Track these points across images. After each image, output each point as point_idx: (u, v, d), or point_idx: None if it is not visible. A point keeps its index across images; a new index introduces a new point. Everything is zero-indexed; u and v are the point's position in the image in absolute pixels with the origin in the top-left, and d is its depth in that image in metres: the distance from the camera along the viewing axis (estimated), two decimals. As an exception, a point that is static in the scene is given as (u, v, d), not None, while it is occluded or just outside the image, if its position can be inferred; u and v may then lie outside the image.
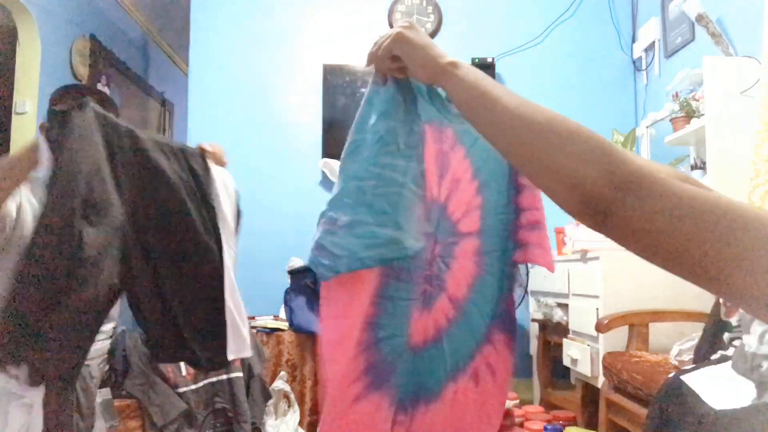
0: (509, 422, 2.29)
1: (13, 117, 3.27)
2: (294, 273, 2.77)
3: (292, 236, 3.21)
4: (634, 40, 3.49)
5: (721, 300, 1.58)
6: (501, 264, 0.95)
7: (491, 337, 0.95)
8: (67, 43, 3.64)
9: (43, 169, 1.12)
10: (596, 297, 2.25)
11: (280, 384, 2.47)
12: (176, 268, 1.32)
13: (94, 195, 1.13)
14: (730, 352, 1.40)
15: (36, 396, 1.20)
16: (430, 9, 3.50)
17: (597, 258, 2.26)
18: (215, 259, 1.38)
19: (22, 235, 1.36)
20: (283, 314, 2.79)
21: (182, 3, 3.80)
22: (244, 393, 2.12)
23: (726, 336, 1.52)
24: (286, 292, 2.75)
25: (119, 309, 1.94)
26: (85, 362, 1.70)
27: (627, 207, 0.46)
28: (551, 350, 2.87)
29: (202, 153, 1.46)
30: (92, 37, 3.87)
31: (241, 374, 2.14)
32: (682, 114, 2.45)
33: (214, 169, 1.45)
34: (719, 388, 1.14)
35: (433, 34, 3.45)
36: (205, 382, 2.08)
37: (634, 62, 3.51)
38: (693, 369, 1.35)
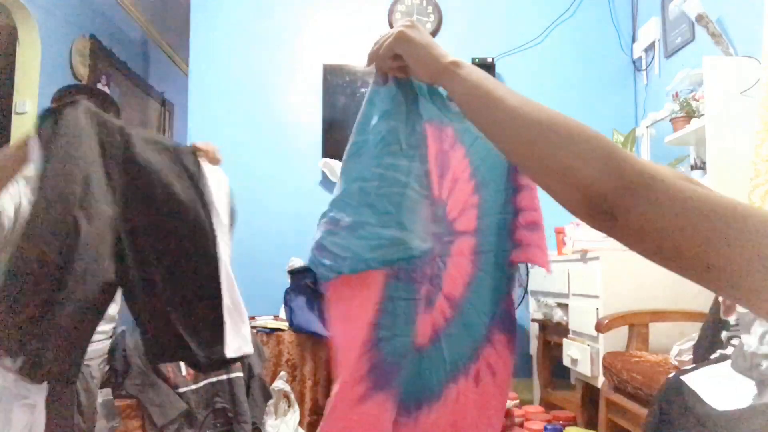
0: (509, 422, 2.30)
1: (13, 117, 3.27)
2: (294, 273, 2.77)
3: (292, 236, 3.21)
4: (634, 40, 3.49)
5: (720, 299, 1.58)
6: (498, 263, 0.95)
7: (491, 337, 0.95)
8: (67, 43, 3.64)
9: (33, 166, 1.13)
10: (596, 297, 2.25)
11: (280, 384, 2.47)
12: (170, 264, 1.32)
13: (84, 190, 1.13)
14: (729, 350, 1.40)
15: (39, 396, 1.20)
16: (430, 9, 3.50)
17: (597, 258, 2.26)
18: (210, 254, 1.37)
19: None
20: (283, 314, 2.79)
21: (182, 3, 3.80)
22: (244, 393, 2.13)
23: (724, 335, 1.52)
24: (286, 292, 2.75)
25: (119, 309, 1.95)
26: (86, 362, 1.71)
27: (633, 207, 0.46)
28: (551, 350, 2.87)
29: (195, 152, 1.46)
30: (92, 37, 3.87)
31: (241, 374, 2.14)
32: (682, 114, 2.45)
33: (207, 168, 1.45)
34: (719, 387, 1.14)
35: (433, 34, 3.45)
36: (206, 382, 2.08)
37: (634, 62, 3.51)
38: (693, 369, 1.35)
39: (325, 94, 3.41)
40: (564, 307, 2.59)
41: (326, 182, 3.38)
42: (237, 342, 1.40)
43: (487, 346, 0.95)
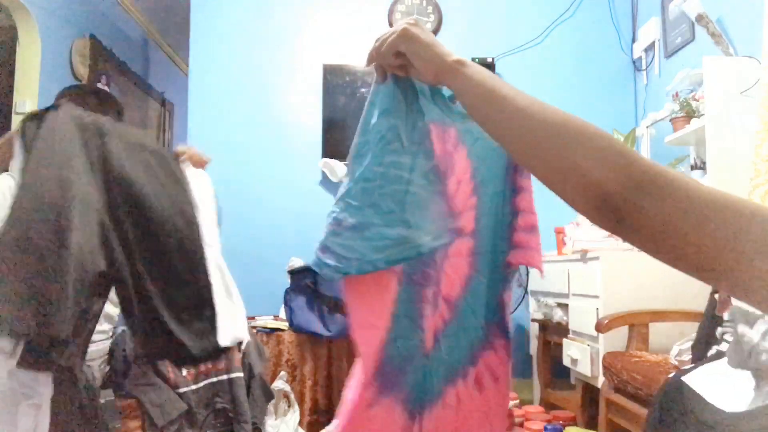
0: (509, 422, 2.30)
1: (13, 117, 3.27)
2: (294, 273, 2.77)
3: (292, 236, 3.22)
4: (634, 40, 3.49)
5: (716, 295, 1.58)
6: (495, 265, 0.94)
7: (489, 340, 0.95)
8: (67, 43, 3.64)
9: (17, 161, 1.15)
10: (596, 297, 2.25)
11: (280, 384, 2.47)
12: (155, 257, 1.32)
13: (63, 189, 1.15)
14: (724, 347, 1.40)
15: (44, 396, 1.20)
16: (430, 9, 3.50)
17: (597, 258, 2.26)
18: (196, 245, 1.38)
19: None
20: (283, 314, 2.79)
21: (182, 3, 3.80)
22: (244, 393, 2.12)
23: (719, 331, 1.52)
24: (286, 292, 2.75)
25: (119, 309, 1.95)
26: (87, 363, 1.71)
27: (645, 206, 0.46)
28: (551, 350, 2.87)
29: (177, 156, 1.47)
30: (92, 37, 3.87)
31: (241, 374, 2.14)
32: (682, 114, 2.45)
33: (189, 170, 1.47)
34: (718, 385, 1.14)
35: (432, 34, 3.45)
36: (206, 382, 2.08)
37: (634, 62, 3.51)
38: (692, 369, 1.35)
39: (325, 94, 3.42)
40: (564, 307, 2.59)
41: (326, 182, 3.38)
42: (231, 330, 1.41)
43: (483, 349, 0.94)
